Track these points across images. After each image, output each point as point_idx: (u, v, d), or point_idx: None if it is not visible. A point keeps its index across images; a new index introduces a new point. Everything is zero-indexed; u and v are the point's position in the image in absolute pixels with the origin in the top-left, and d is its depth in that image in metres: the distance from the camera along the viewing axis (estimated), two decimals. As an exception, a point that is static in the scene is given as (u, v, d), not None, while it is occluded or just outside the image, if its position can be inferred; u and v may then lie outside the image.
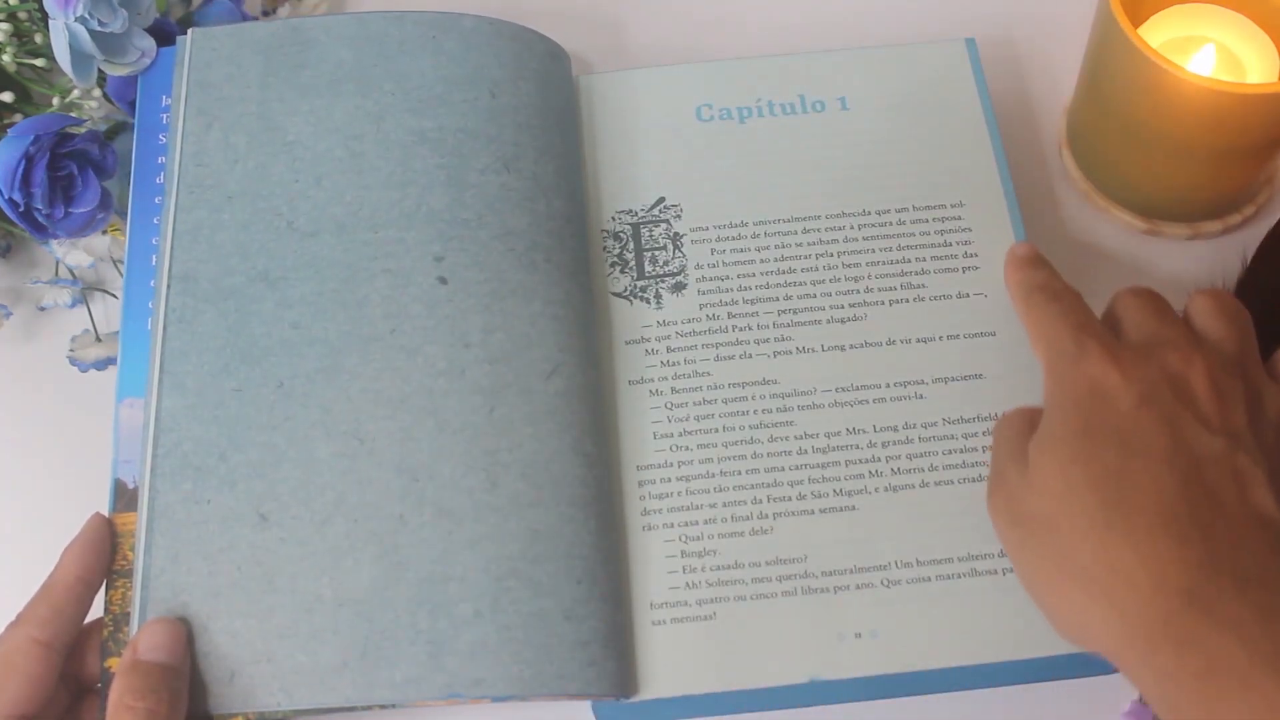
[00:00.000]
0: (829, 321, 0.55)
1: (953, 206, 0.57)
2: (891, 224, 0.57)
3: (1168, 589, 0.39)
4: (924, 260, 0.56)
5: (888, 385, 0.53)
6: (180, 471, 0.50)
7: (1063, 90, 0.65)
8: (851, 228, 0.57)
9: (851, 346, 0.54)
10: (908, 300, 0.55)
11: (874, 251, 0.56)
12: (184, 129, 0.56)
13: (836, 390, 0.53)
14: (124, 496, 0.51)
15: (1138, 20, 0.57)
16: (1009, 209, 0.57)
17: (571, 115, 0.59)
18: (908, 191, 0.58)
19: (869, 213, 0.57)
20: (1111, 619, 0.41)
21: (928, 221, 0.57)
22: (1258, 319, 0.55)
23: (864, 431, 0.52)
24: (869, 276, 0.56)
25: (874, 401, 0.53)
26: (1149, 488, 0.41)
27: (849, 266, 0.56)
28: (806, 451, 0.52)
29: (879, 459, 0.52)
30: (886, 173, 0.58)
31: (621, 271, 0.56)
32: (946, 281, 0.55)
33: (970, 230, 0.56)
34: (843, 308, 0.55)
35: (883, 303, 0.55)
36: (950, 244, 0.56)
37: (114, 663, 0.48)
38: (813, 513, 0.51)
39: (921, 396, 0.53)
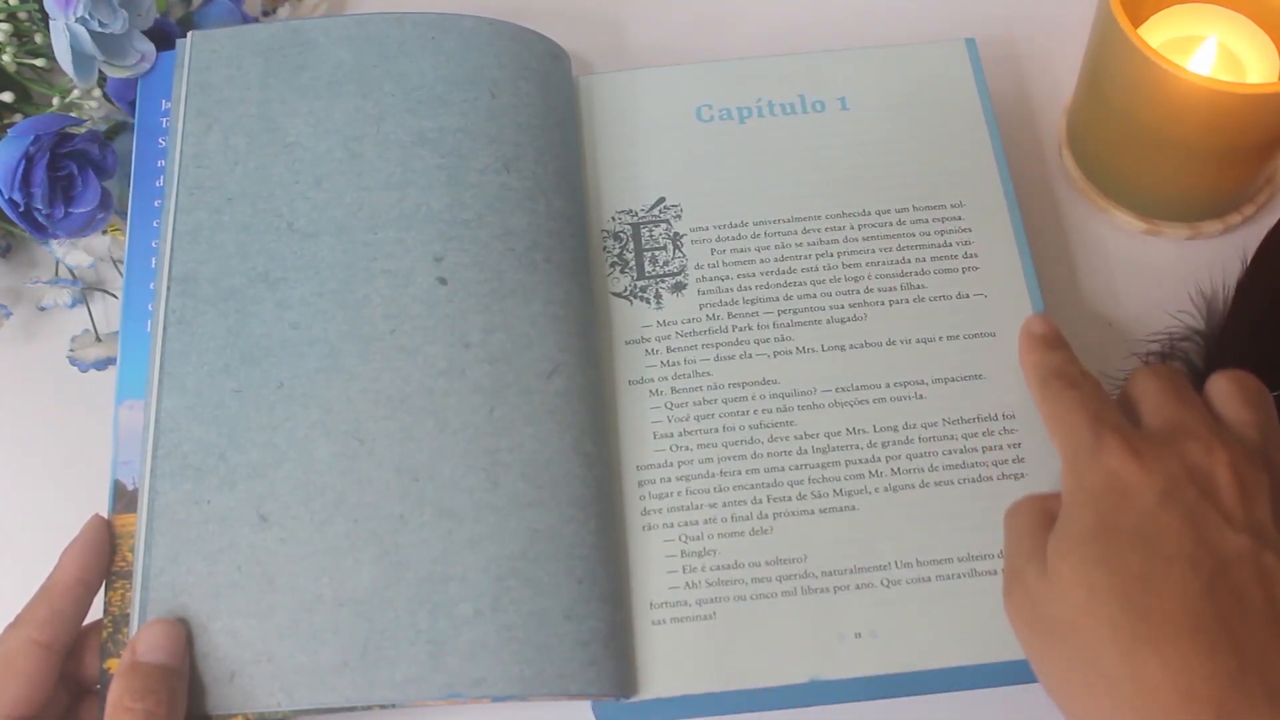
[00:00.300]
0: (829, 321, 0.55)
1: (953, 206, 0.57)
2: (891, 224, 0.57)
3: (1197, 703, 0.38)
4: (924, 260, 0.56)
5: (888, 385, 0.53)
6: (180, 472, 0.50)
7: (1063, 90, 0.65)
8: (851, 228, 0.57)
9: (851, 346, 0.54)
10: (908, 300, 0.55)
11: (874, 252, 0.56)
12: (184, 130, 0.56)
13: (836, 390, 0.53)
14: (123, 498, 0.51)
15: (1138, 20, 0.57)
16: (1009, 209, 0.57)
17: (571, 115, 0.59)
18: (908, 191, 0.58)
19: (869, 213, 0.57)
20: None
21: (928, 221, 0.57)
22: (1258, 319, 0.55)
23: (864, 432, 0.52)
24: (869, 277, 0.56)
25: (874, 402, 0.53)
26: (1174, 593, 0.39)
27: (849, 267, 0.56)
28: (806, 451, 0.52)
29: (879, 459, 0.52)
30: (886, 173, 0.58)
31: (621, 271, 0.56)
32: (946, 282, 0.55)
33: (970, 230, 0.56)
34: (843, 308, 0.55)
35: (883, 303, 0.55)
36: (950, 244, 0.56)
37: (113, 664, 0.48)
38: (812, 513, 0.51)
39: (921, 396, 0.53)
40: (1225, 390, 0.46)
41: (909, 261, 0.56)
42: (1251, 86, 0.52)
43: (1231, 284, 0.57)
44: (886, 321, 0.55)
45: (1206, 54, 0.57)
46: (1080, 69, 0.60)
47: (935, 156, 0.58)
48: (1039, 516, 0.44)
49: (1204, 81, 0.52)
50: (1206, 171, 0.57)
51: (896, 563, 0.50)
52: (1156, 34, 0.59)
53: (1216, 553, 0.40)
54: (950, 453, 0.52)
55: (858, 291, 0.55)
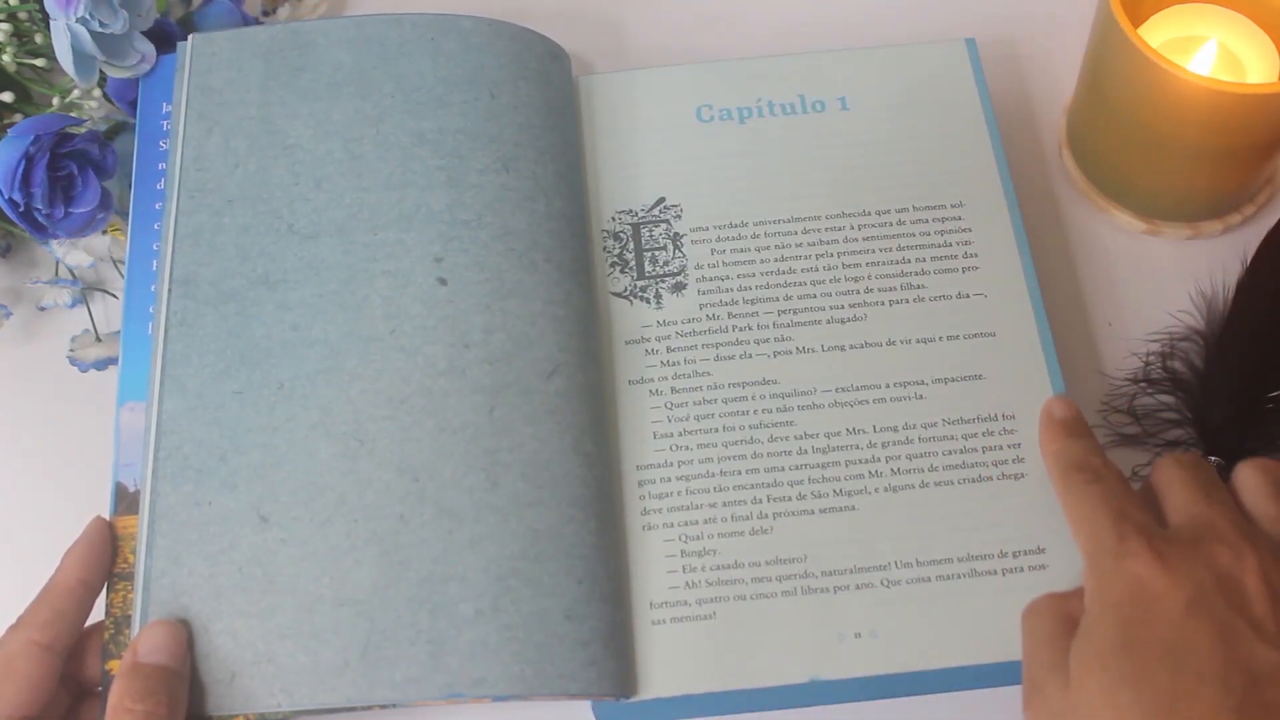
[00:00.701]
0: (829, 321, 0.55)
1: (953, 206, 0.57)
2: (891, 224, 0.57)
3: None
4: (924, 260, 0.56)
5: (888, 385, 0.53)
6: (181, 473, 0.50)
7: (1063, 90, 0.65)
8: (851, 228, 0.57)
9: (851, 347, 0.54)
10: (908, 300, 0.55)
11: (874, 252, 0.56)
12: (185, 133, 0.56)
13: (836, 390, 0.53)
14: (125, 500, 0.51)
15: (1138, 20, 0.57)
16: (1009, 209, 0.57)
17: (571, 115, 0.59)
18: (908, 191, 0.58)
19: (869, 213, 0.57)
20: None
21: (928, 221, 0.57)
22: (1258, 319, 0.55)
23: (864, 432, 0.52)
24: (869, 277, 0.56)
25: (874, 402, 0.53)
26: (1205, 714, 0.38)
27: (849, 267, 0.56)
28: (806, 451, 0.52)
29: (879, 459, 0.52)
30: (886, 173, 0.58)
31: (621, 271, 0.56)
32: (946, 281, 0.55)
33: (970, 230, 0.56)
34: (843, 308, 0.55)
35: (883, 303, 0.55)
36: (950, 244, 0.56)
37: (115, 665, 0.48)
38: (812, 513, 0.51)
39: (921, 397, 0.53)
40: (1253, 483, 0.45)
41: (909, 261, 0.56)
42: (1251, 86, 0.52)
43: (1231, 284, 0.57)
44: (886, 321, 0.55)
45: (1207, 55, 0.57)
46: (1080, 69, 0.60)
47: (935, 156, 0.58)
48: (1059, 621, 0.43)
49: (1204, 81, 0.52)
50: (1206, 171, 0.57)
51: (896, 563, 0.50)
52: (1156, 34, 0.59)
53: (1248, 669, 0.38)
54: (950, 453, 0.52)
55: (858, 291, 0.55)
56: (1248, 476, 0.45)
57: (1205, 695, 0.38)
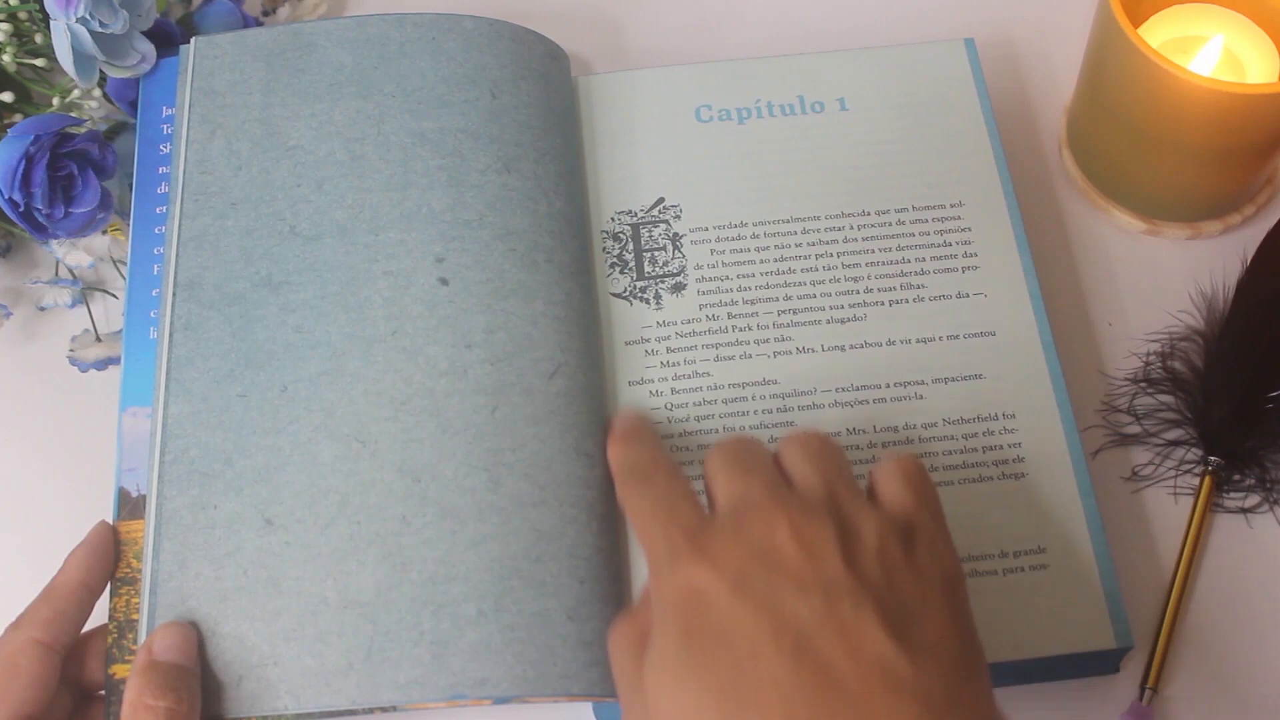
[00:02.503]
0: (829, 322, 0.55)
1: (952, 206, 0.57)
2: (891, 224, 0.57)
3: None
4: (924, 260, 0.56)
5: (887, 386, 0.53)
6: (187, 477, 0.50)
7: (1063, 90, 0.65)
8: (851, 228, 0.57)
9: (851, 347, 0.54)
10: (907, 300, 0.55)
11: (874, 252, 0.56)
12: (188, 136, 0.56)
13: (836, 391, 0.53)
14: (128, 504, 0.51)
15: (1138, 20, 0.57)
16: (1009, 209, 0.57)
17: (571, 116, 0.59)
18: (907, 191, 0.58)
19: (869, 213, 0.57)
20: None
21: (927, 221, 0.57)
22: (1258, 320, 0.55)
23: (864, 432, 0.52)
24: (869, 277, 0.56)
25: (874, 402, 0.53)
26: (766, 685, 0.38)
27: (849, 267, 0.56)
28: (807, 452, 0.52)
29: (879, 459, 0.52)
30: (886, 173, 0.58)
31: (621, 272, 0.56)
32: (946, 281, 0.55)
33: (970, 230, 0.57)
34: (842, 308, 0.55)
35: (882, 303, 0.55)
36: (950, 244, 0.56)
37: (118, 669, 0.48)
38: (814, 513, 0.51)
39: (921, 397, 0.53)
40: (788, 452, 0.45)
41: (909, 261, 0.56)
42: (1252, 86, 0.52)
43: (1231, 284, 0.58)
44: (886, 321, 0.55)
45: (1211, 53, 0.57)
46: (1080, 69, 0.60)
47: (935, 156, 0.58)
48: (633, 642, 0.43)
49: (1204, 81, 0.52)
50: (1206, 171, 0.57)
51: (897, 563, 0.50)
52: (1156, 34, 0.59)
53: (795, 627, 0.38)
54: (950, 453, 0.52)
55: (857, 292, 0.55)
56: (784, 447, 0.45)
57: (761, 664, 0.38)
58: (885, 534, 0.41)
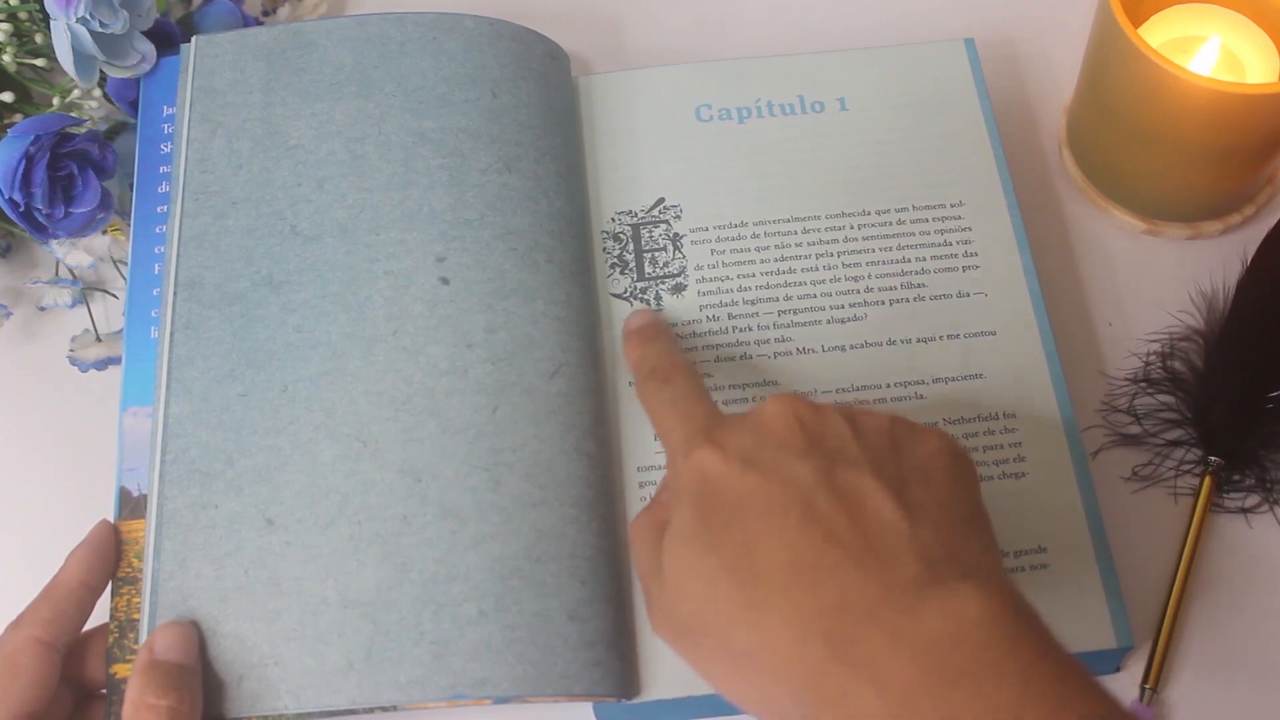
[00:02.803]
0: (829, 322, 0.55)
1: (952, 206, 0.57)
2: (891, 224, 0.57)
3: (811, 641, 0.37)
4: (924, 260, 0.56)
5: (888, 386, 0.53)
6: (188, 477, 0.50)
7: (1063, 90, 0.65)
8: (851, 228, 0.57)
9: (852, 347, 0.54)
10: (908, 300, 0.55)
11: (874, 251, 0.56)
12: (189, 136, 0.56)
13: (837, 391, 0.53)
14: (128, 504, 0.51)
15: (1138, 20, 0.57)
16: (1009, 209, 0.57)
17: (571, 116, 0.59)
18: (907, 191, 0.58)
19: (869, 213, 0.57)
20: (779, 692, 0.38)
21: (928, 221, 0.57)
22: (1258, 320, 0.55)
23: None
24: (869, 277, 0.56)
25: (874, 402, 0.53)
26: (774, 545, 0.39)
27: (849, 267, 0.56)
28: (808, 452, 0.52)
29: None
30: (886, 173, 0.58)
31: (622, 273, 0.56)
32: (946, 281, 0.55)
33: (970, 230, 0.57)
34: (843, 308, 0.55)
35: (883, 303, 0.55)
36: (950, 244, 0.56)
37: (119, 669, 0.48)
38: (814, 513, 0.51)
39: (921, 397, 0.53)
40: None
41: (909, 261, 0.56)
42: (1252, 86, 0.52)
43: (1231, 284, 0.58)
44: (886, 321, 0.55)
45: (1209, 54, 0.57)
46: (1080, 69, 0.60)
47: (935, 156, 0.58)
48: (653, 530, 0.44)
49: (1204, 81, 0.52)
50: (1206, 171, 0.57)
51: (898, 563, 0.50)
52: (1156, 34, 0.59)
53: (798, 491, 0.40)
54: (951, 453, 0.52)
55: (858, 292, 0.55)
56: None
57: (770, 529, 0.39)
58: (890, 420, 0.43)
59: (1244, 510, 0.55)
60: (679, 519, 0.42)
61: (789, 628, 0.38)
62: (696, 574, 0.40)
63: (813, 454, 0.41)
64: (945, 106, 0.60)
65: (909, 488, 0.40)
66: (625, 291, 0.56)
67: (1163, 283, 0.60)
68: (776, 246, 0.57)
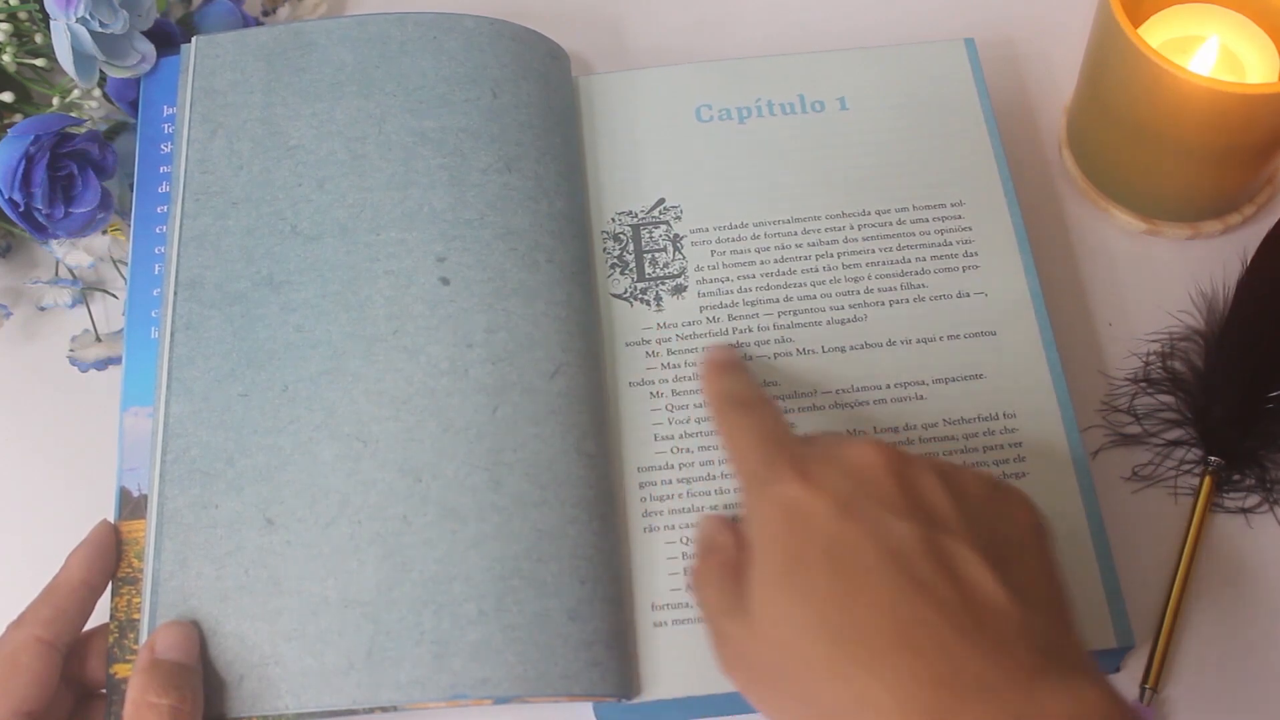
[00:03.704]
0: (829, 323, 0.55)
1: (953, 206, 0.57)
2: (891, 224, 0.57)
3: (912, 711, 0.36)
4: (924, 260, 0.56)
5: (888, 386, 0.53)
6: (188, 477, 0.50)
7: (1063, 90, 0.65)
8: (851, 228, 0.57)
9: (852, 348, 0.54)
10: (908, 300, 0.55)
11: (874, 252, 0.56)
12: (189, 136, 0.56)
13: (837, 392, 0.53)
14: (129, 504, 0.51)
15: (1138, 20, 0.57)
16: (1009, 209, 0.57)
17: (572, 116, 0.59)
18: (907, 191, 0.58)
19: (869, 213, 0.57)
20: None
21: (928, 221, 0.57)
22: (1258, 319, 0.55)
23: (864, 433, 0.52)
24: (869, 277, 0.56)
25: (874, 403, 0.53)
26: (871, 605, 0.38)
27: (849, 267, 0.56)
28: (808, 452, 0.52)
29: None
30: (886, 173, 0.58)
31: (622, 273, 0.56)
32: (946, 281, 0.55)
33: (970, 230, 0.57)
34: (843, 309, 0.55)
35: (883, 303, 0.55)
36: (950, 244, 0.56)
37: (120, 669, 0.49)
38: (814, 513, 0.51)
39: (922, 397, 0.53)
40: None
41: (909, 261, 0.56)
42: (1252, 86, 0.52)
43: (1231, 284, 0.58)
44: (886, 322, 0.55)
45: (1208, 54, 0.57)
46: (1080, 69, 0.60)
47: (935, 156, 0.58)
48: (725, 568, 0.43)
49: (1204, 81, 0.52)
50: (1206, 171, 0.57)
51: (898, 563, 0.50)
52: (1156, 34, 0.59)
53: (898, 551, 0.39)
54: (951, 453, 0.52)
55: (858, 292, 0.55)
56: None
57: (869, 586, 0.38)
58: (981, 483, 0.42)
59: (1244, 510, 0.55)
60: (766, 557, 0.41)
61: (889, 693, 0.37)
62: (786, 622, 0.39)
63: (912, 514, 0.40)
64: (945, 106, 0.60)
65: (1009, 565, 0.39)
66: (625, 292, 0.56)
67: (1163, 283, 0.60)
68: (776, 247, 0.56)
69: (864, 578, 0.39)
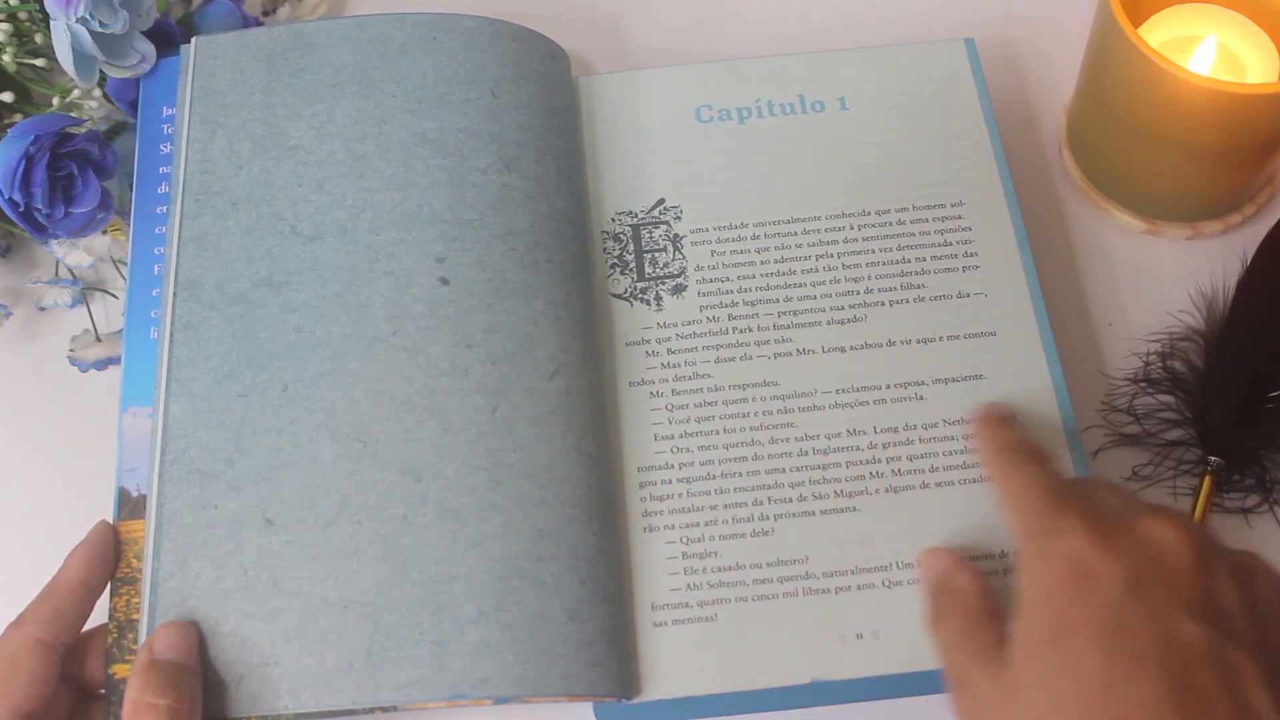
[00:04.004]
0: (829, 323, 0.55)
1: (953, 206, 0.57)
2: (891, 224, 0.57)
3: None
4: (924, 260, 0.56)
5: (888, 386, 0.53)
6: (188, 477, 0.50)
7: (1063, 90, 0.65)
8: (851, 228, 0.57)
9: (852, 348, 0.54)
10: (908, 300, 0.55)
11: (874, 252, 0.56)
12: (189, 136, 0.56)
13: (837, 392, 0.53)
14: (128, 504, 0.51)
15: (1138, 20, 0.57)
16: (1009, 209, 0.57)
17: (571, 116, 0.59)
18: (907, 191, 0.58)
19: (869, 213, 0.57)
20: None
21: (928, 221, 0.57)
22: (1258, 319, 0.55)
23: (864, 433, 0.52)
24: (869, 277, 0.56)
25: (874, 403, 0.53)
26: (1136, 700, 0.36)
27: (849, 267, 0.56)
28: (807, 453, 0.52)
29: (879, 460, 0.52)
30: (886, 173, 0.58)
31: (622, 273, 0.56)
32: (946, 281, 0.55)
33: (970, 230, 0.57)
34: (843, 309, 0.55)
35: (883, 303, 0.55)
36: (950, 244, 0.56)
37: (119, 669, 0.48)
38: (813, 514, 0.51)
39: (921, 397, 0.53)
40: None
41: (909, 261, 0.56)
42: (1251, 86, 0.52)
43: (1231, 284, 0.58)
44: (886, 322, 0.55)
45: (1206, 53, 0.57)
46: (1080, 69, 0.60)
47: (935, 156, 0.58)
48: (969, 614, 0.42)
49: (1204, 81, 0.52)
50: (1206, 171, 0.57)
51: (897, 563, 0.50)
52: (1156, 34, 0.59)
53: (1183, 651, 0.37)
54: (951, 453, 0.52)
55: (858, 292, 0.55)
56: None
57: (1142, 677, 0.37)
58: (1273, 589, 0.40)
59: (1244, 510, 0.55)
60: (1037, 614, 0.39)
61: None
62: (1044, 690, 0.38)
63: (1205, 617, 0.38)
64: (945, 106, 0.59)
65: None
66: (625, 292, 0.56)
67: (1163, 283, 0.60)
68: (777, 247, 0.56)
69: (1136, 667, 0.37)
